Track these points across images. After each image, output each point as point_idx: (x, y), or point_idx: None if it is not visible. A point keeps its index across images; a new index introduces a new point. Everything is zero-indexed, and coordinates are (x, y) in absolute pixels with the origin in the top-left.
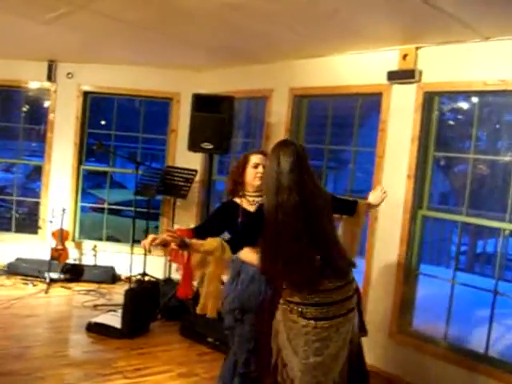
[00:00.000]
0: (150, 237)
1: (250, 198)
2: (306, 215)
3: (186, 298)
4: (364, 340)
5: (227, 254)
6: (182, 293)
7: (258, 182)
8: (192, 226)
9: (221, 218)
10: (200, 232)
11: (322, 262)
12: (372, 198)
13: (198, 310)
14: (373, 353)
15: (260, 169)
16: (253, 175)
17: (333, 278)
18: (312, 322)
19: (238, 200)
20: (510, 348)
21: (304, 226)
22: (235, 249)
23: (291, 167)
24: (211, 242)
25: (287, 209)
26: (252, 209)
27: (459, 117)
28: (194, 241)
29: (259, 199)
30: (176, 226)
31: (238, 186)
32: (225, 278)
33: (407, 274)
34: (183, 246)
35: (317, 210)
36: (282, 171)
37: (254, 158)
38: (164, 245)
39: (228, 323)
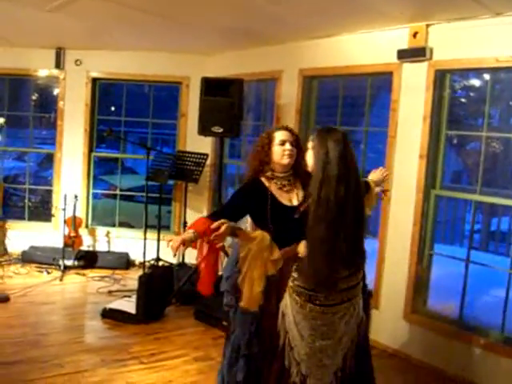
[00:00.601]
0: (177, 240)
1: (279, 182)
2: (347, 214)
3: (207, 295)
4: (379, 320)
5: (275, 254)
6: (203, 290)
7: (287, 160)
8: (206, 211)
9: (246, 202)
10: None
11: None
12: (372, 177)
13: (243, 304)
14: (387, 333)
15: (288, 146)
16: (280, 153)
17: (343, 269)
18: (319, 307)
19: (265, 182)
20: None
21: (340, 227)
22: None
23: (340, 157)
24: (262, 238)
25: (331, 203)
26: (283, 199)
27: (471, 94)
28: (245, 231)
29: (287, 182)
30: (193, 216)
31: (266, 166)
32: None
33: (421, 254)
34: (233, 234)
35: (355, 209)
36: (330, 161)
37: (280, 135)
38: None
39: (228, 301)
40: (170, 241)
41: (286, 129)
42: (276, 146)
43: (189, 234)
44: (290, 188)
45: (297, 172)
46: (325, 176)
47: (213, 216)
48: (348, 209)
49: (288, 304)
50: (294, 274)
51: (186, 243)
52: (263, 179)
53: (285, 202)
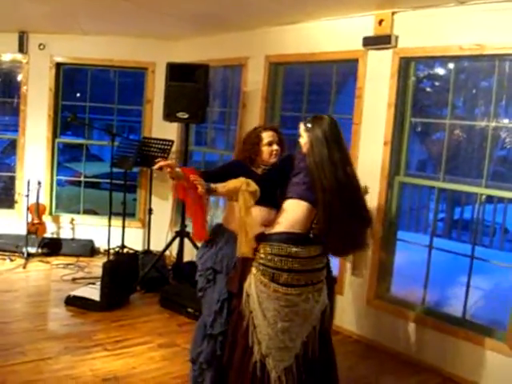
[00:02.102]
0: (167, 161)
1: (261, 169)
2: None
3: (203, 240)
4: (343, 306)
5: (252, 186)
6: (198, 236)
7: (274, 160)
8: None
9: (233, 172)
10: (208, 178)
11: None
12: None
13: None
14: (351, 318)
15: (275, 146)
16: (268, 153)
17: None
18: (283, 287)
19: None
20: (486, 311)
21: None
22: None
23: (339, 142)
24: (235, 181)
25: (346, 183)
26: None
27: (436, 83)
28: (218, 184)
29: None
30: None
31: (254, 162)
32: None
33: (385, 241)
34: (209, 191)
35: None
36: (331, 148)
37: (267, 136)
38: (172, 178)
39: (201, 285)
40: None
41: (272, 129)
42: (264, 146)
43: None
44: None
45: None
46: (329, 164)
47: (204, 172)
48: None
49: (252, 284)
50: (260, 254)
51: (172, 167)
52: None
53: None
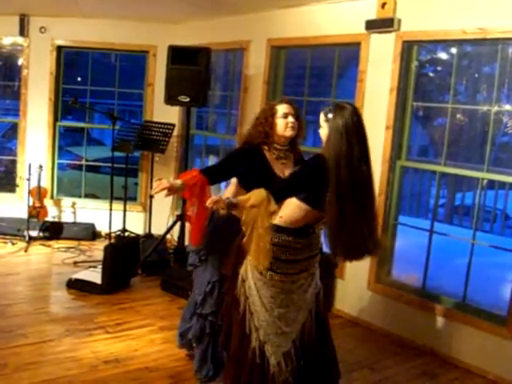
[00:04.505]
0: (164, 184)
1: (276, 152)
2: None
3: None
4: (343, 290)
5: (272, 206)
6: (195, 241)
7: (290, 133)
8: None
9: (242, 162)
10: (215, 176)
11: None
12: None
13: (254, 261)
14: (352, 302)
15: (290, 118)
16: (283, 126)
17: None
18: (279, 275)
19: (266, 149)
20: (486, 296)
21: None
22: (278, 199)
23: (360, 137)
24: (257, 196)
25: (361, 182)
26: (277, 169)
27: (438, 68)
28: (240, 198)
29: (283, 155)
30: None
31: (269, 137)
32: None
33: (386, 224)
34: (231, 208)
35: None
36: (351, 142)
37: (283, 108)
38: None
39: (193, 261)
40: (159, 179)
41: (287, 102)
42: (279, 118)
43: (177, 183)
44: (285, 161)
45: (293, 147)
46: (348, 157)
47: (206, 171)
48: (370, 188)
49: (248, 270)
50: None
51: (171, 189)
52: (264, 147)
53: (278, 172)
